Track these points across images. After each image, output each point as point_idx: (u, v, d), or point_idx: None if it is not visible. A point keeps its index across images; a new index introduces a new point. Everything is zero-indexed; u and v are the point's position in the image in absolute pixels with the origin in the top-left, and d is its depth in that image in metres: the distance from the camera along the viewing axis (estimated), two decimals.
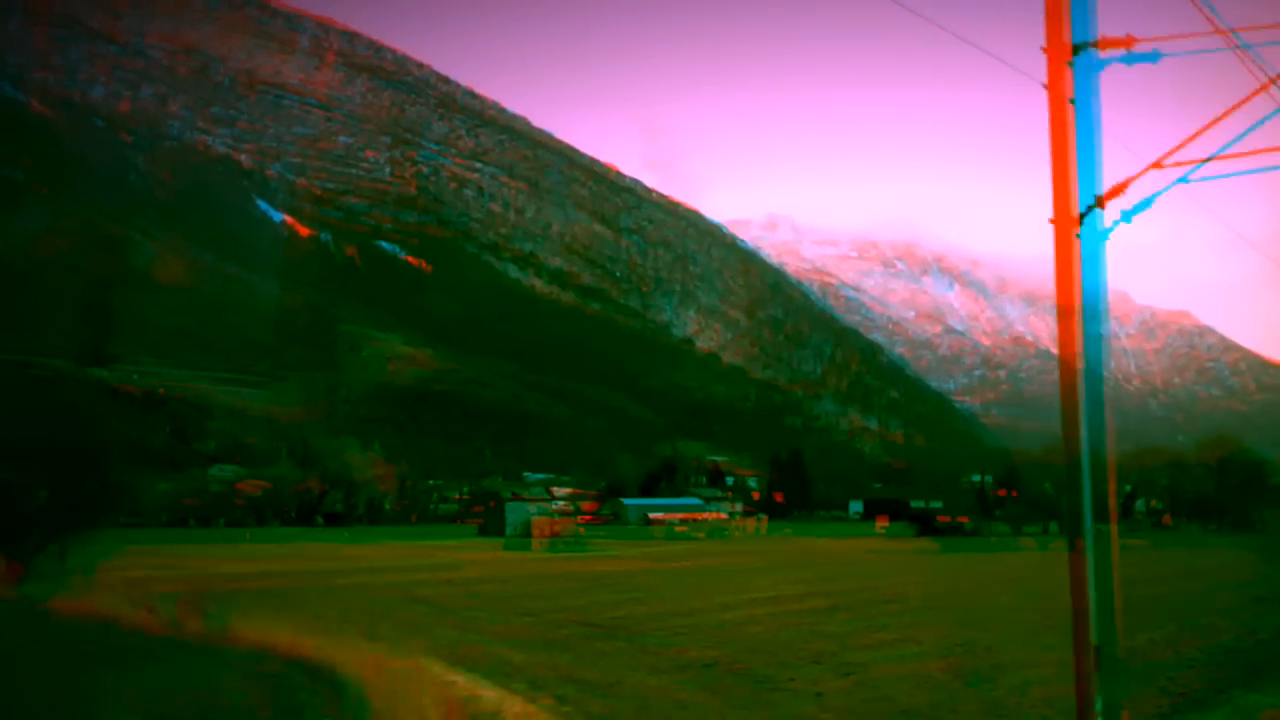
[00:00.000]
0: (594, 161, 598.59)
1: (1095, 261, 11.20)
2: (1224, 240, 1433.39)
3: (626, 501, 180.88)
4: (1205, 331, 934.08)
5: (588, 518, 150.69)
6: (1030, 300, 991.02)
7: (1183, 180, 12.54)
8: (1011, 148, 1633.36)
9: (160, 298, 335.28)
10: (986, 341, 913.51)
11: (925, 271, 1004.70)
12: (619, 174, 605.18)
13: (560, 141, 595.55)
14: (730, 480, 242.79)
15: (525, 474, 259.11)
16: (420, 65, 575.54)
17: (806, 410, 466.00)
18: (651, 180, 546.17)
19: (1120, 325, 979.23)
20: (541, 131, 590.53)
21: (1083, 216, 11.51)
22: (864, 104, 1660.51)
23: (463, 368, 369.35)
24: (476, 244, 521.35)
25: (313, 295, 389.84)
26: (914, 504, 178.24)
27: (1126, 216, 11.81)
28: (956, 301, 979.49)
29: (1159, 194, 12.16)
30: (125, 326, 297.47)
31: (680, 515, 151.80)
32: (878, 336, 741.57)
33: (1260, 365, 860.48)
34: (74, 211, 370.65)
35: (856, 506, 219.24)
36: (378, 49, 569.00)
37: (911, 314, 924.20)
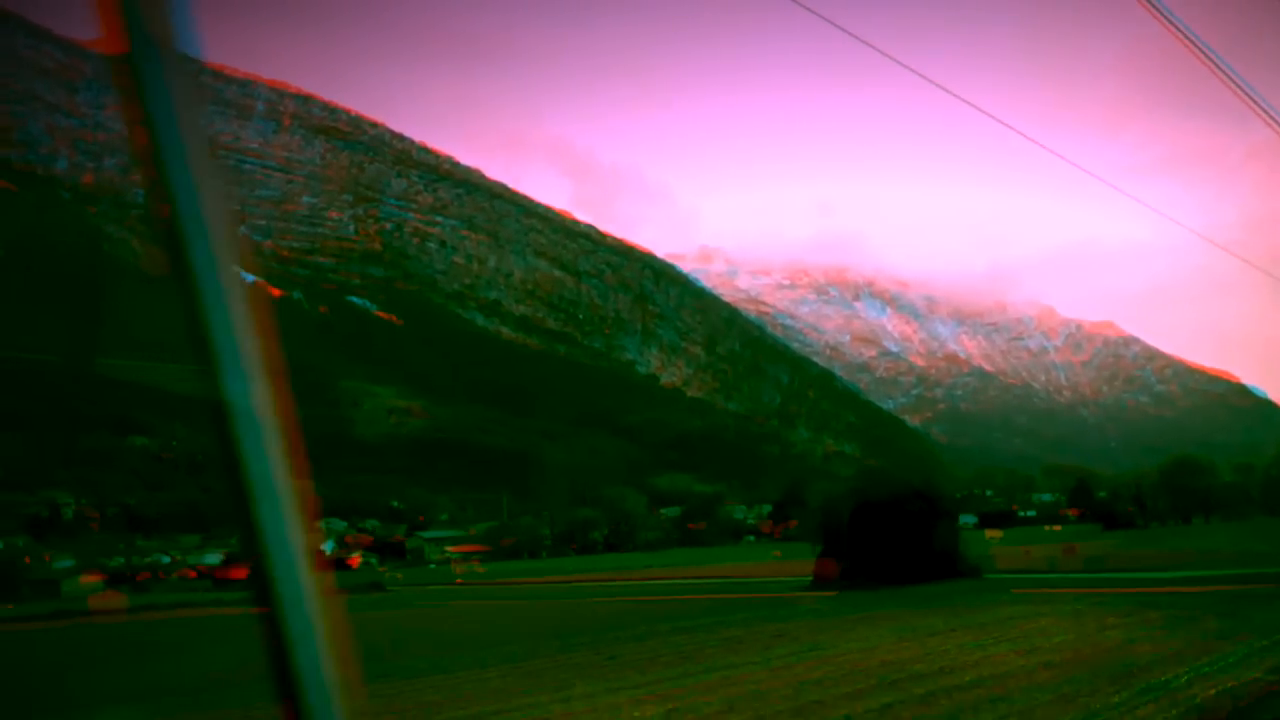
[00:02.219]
0: (548, 209, 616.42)
1: None
2: (1137, 245, 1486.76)
3: None
4: (1130, 341, 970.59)
5: None
6: (960, 319, 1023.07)
7: None
8: (930, 165, 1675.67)
9: (157, 363, 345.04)
10: (921, 362, 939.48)
11: (857, 296, 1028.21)
12: (574, 220, 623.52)
13: (515, 191, 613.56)
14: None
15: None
16: (374, 124, 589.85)
17: (783, 438, 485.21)
18: (584, 218, 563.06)
19: (1048, 339, 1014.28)
20: (498, 184, 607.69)
21: None
22: (782, 125, 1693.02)
23: (456, 416, 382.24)
24: (442, 295, 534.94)
25: (304, 354, 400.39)
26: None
27: None
28: (890, 324, 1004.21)
29: None
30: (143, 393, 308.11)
31: None
32: (818, 363, 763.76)
33: (1185, 371, 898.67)
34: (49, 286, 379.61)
35: None
36: (332, 110, 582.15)
37: (847, 338, 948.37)
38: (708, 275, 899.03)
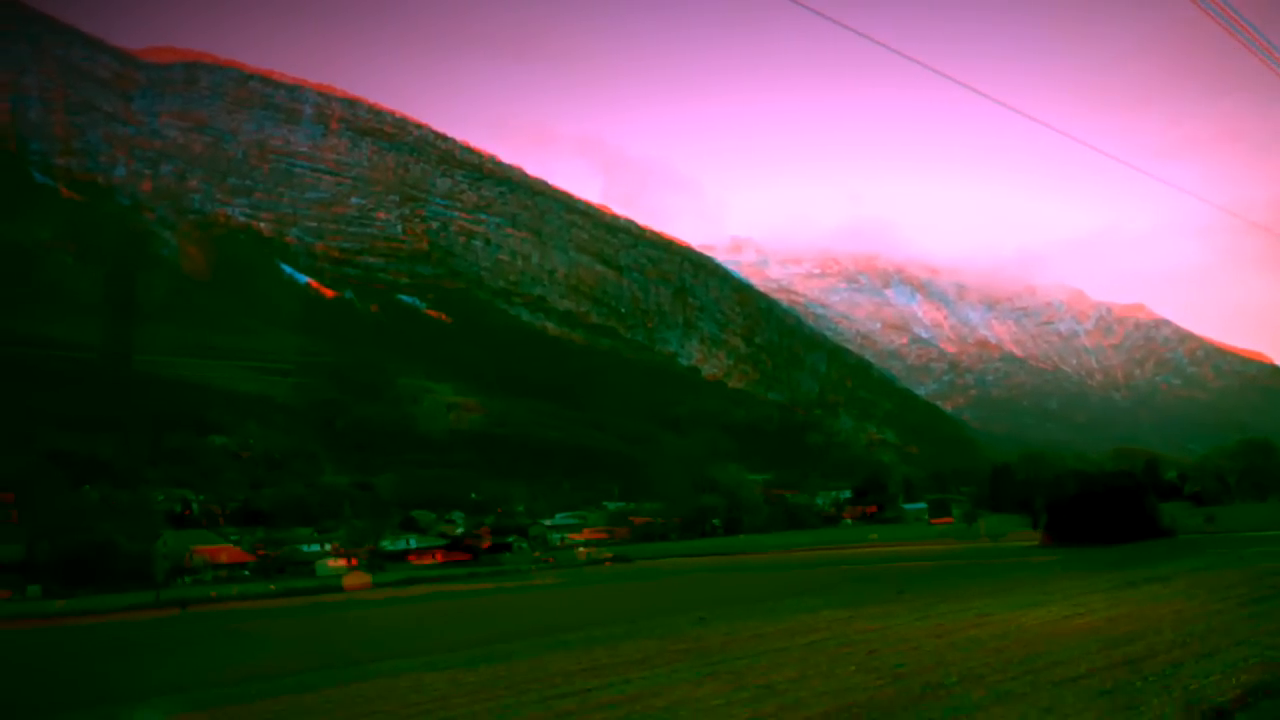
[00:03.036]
0: (588, 205, 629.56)
1: None
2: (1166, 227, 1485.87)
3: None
4: (1161, 324, 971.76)
5: None
6: (990, 305, 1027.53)
7: None
8: (957, 153, 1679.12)
9: (225, 362, 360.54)
10: (952, 349, 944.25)
11: (887, 284, 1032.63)
12: (613, 215, 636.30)
13: (555, 188, 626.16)
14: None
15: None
16: (418, 125, 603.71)
17: (826, 427, 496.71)
18: (619, 211, 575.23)
19: (1078, 322, 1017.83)
20: (538, 181, 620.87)
21: None
22: (809, 116, 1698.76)
23: (510, 410, 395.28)
24: (489, 292, 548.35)
25: (361, 352, 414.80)
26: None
27: None
28: (920, 311, 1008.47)
29: None
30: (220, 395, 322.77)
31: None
32: (852, 351, 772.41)
33: (1217, 353, 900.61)
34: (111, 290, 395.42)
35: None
36: (377, 113, 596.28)
37: (878, 326, 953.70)
38: (739, 266, 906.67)
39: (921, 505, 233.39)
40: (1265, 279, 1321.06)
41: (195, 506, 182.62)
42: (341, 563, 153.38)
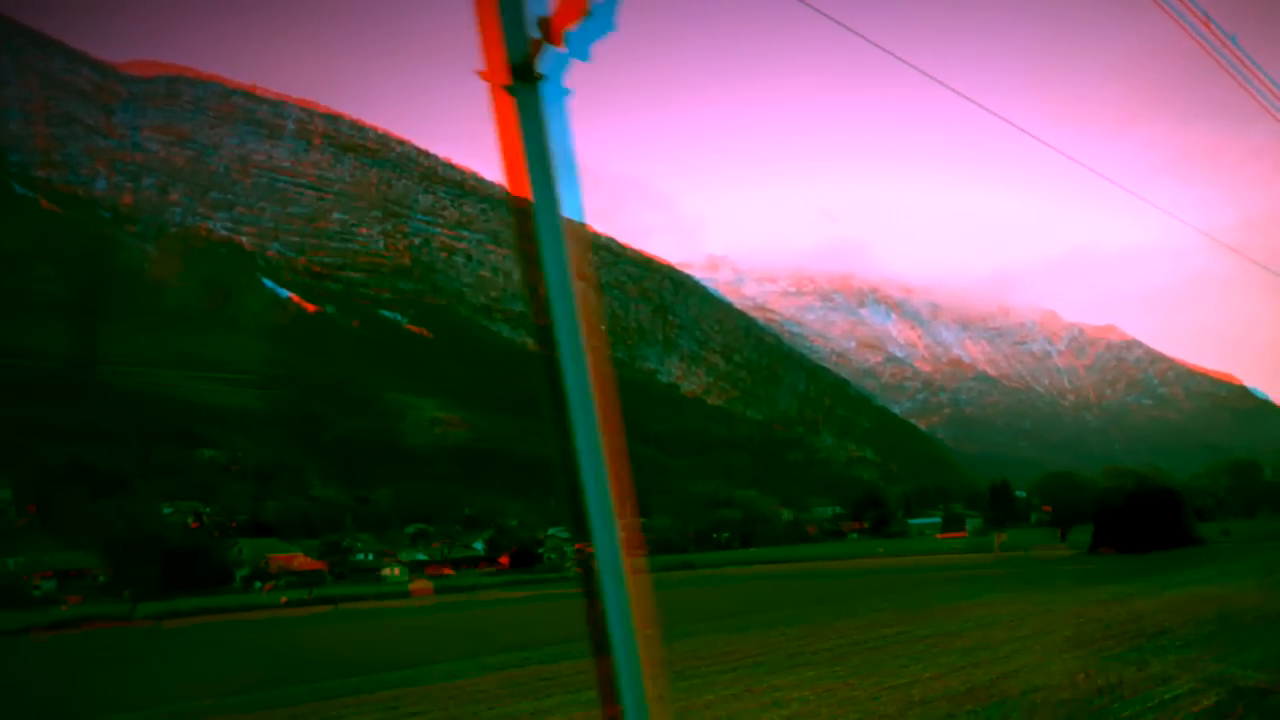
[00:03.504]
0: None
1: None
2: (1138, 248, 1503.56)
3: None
4: (1132, 345, 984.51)
5: None
6: (964, 325, 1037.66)
7: None
8: (932, 168, 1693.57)
9: (207, 375, 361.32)
10: (926, 368, 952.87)
11: (862, 303, 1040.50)
12: (594, 233, 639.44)
13: None
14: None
15: None
16: (400, 142, 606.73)
17: (807, 444, 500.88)
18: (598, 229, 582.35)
19: (1051, 343, 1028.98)
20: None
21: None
22: (784, 134, 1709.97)
23: (494, 425, 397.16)
24: (470, 308, 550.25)
25: (345, 367, 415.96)
26: None
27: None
28: (895, 330, 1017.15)
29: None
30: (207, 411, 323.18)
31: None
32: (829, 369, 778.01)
33: (1187, 374, 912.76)
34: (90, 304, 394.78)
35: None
36: (360, 129, 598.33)
37: (853, 344, 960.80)
38: (715, 284, 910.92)
39: (928, 520, 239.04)
40: (1234, 301, 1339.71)
41: (204, 518, 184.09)
42: (396, 571, 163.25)
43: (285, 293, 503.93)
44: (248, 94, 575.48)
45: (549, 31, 5.94)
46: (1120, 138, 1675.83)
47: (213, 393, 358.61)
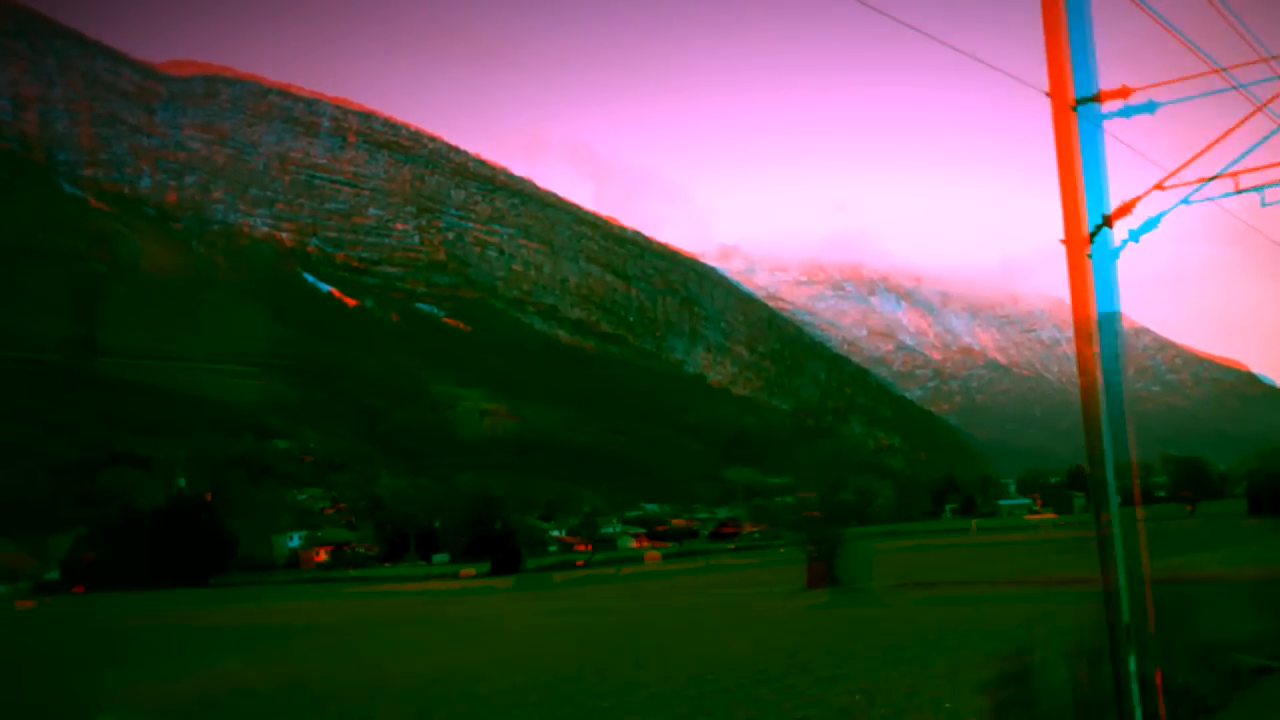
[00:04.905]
0: (596, 217, 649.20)
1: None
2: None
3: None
4: (1141, 332, 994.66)
5: None
6: (974, 313, 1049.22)
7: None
8: (946, 158, 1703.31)
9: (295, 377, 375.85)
10: (937, 355, 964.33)
11: (872, 292, 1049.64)
12: (621, 227, 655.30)
13: (565, 200, 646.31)
14: None
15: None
16: (432, 138, 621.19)
17: (836, 433, 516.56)
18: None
19: (1060, 331, 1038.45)
20: (549, 193, 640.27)
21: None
22: (794, 123, 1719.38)
23: (539, 416, 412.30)
24: (503, 301, 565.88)
25: (391, 360, 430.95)
26: None
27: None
28: (905, 319, 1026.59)
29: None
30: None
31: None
32: (852, 359, 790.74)
33: (1195, 361, 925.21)
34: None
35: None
36: (393, 126, 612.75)
37: (864, 333, 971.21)
38: (728, 273, 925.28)
39: (1017, 501, 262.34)
40: (1240, 287, 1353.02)
41: (328, 504, 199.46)
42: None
43: (326, 287, 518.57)
44: (283, 92, 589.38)
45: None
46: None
47: (270, 386, 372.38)
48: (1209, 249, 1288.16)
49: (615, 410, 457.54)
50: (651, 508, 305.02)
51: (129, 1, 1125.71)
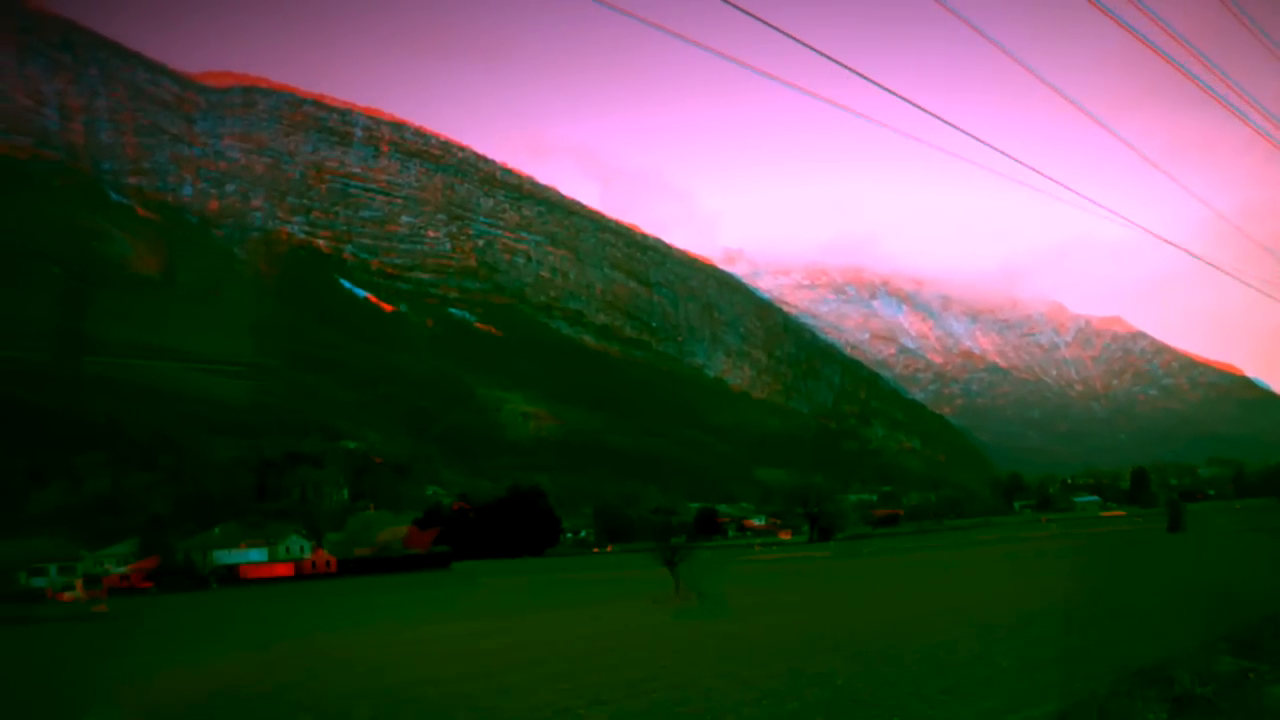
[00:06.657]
0: (619, 224, 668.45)
1: None
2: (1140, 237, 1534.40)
3: None
4: (1138, 336, 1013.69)
5: None
6: (974, 316, 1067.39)
7: None
8: (939, 165, 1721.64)
9: (338, 374, 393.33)
10: (938, 359, 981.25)
11: (874, 296, 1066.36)
12: (642, 234, 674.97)
13: (588, 208, 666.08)
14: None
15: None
16: (461, 148, 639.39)
17: (860, 435, 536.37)
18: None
19: (1058, 334, 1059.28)
20: (574, 201, 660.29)
21: None
22: (796, 127, 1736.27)
23: (577, 418, 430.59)
24: (531, 306, 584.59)
25: (434, 364, 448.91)
26: None
27: None
28: (906, 322, 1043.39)
29: None
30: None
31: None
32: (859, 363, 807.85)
33: (1191, 364, 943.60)
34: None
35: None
36: (423, 135, 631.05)
37: (867, 336, 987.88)
38: (743, 279, 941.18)
39: (1088, 499, 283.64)
40: (1235, 292, 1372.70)
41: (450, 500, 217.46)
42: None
43: (363, 293, 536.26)
44: (317, 103, 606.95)
45: None
46: (1118, 124, 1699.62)
47: (326, 389, 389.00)
48: (1204, 251, 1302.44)
49: (646, 413, 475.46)
50: (694, 506, 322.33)
51: (165, 12, 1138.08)
